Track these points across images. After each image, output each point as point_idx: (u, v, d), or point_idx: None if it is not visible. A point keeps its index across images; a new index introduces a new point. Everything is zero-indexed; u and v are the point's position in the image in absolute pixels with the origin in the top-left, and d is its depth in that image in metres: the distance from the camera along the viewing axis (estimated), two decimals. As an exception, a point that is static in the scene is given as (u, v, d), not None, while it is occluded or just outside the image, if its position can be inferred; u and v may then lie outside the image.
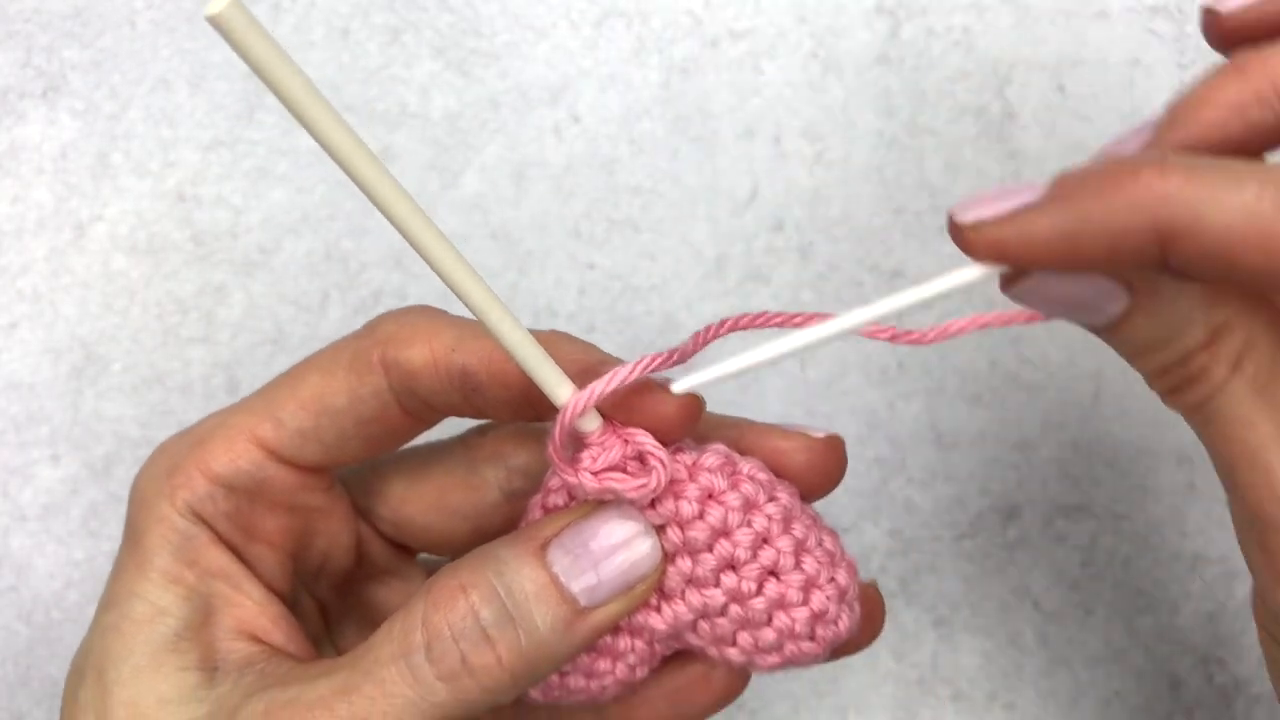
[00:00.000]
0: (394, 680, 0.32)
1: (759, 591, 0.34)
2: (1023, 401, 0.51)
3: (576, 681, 0.37)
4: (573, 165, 0.53)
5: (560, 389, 0.32)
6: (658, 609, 0.35)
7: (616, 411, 0.33)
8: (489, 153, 0.53)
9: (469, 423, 0.40)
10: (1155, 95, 0.53)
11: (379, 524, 0.40)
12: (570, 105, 0.53)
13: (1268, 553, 0.30)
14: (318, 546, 0.39)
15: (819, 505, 0.37)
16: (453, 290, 0.29)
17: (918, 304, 0.30)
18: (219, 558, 0.36)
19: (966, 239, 0.29)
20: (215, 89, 0.54)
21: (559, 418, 0.32)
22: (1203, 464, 0.50)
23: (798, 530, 0.35)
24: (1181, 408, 0.31)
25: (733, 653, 0.36)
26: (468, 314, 0.32)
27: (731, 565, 0.34)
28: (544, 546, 0.33)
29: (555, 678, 0.37)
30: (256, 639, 0.36)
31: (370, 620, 0.42)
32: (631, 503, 0.34)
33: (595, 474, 0.33)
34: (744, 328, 0.34)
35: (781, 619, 0.35)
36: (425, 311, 0.36)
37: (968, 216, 0.28)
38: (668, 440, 0.34)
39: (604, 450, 0.33)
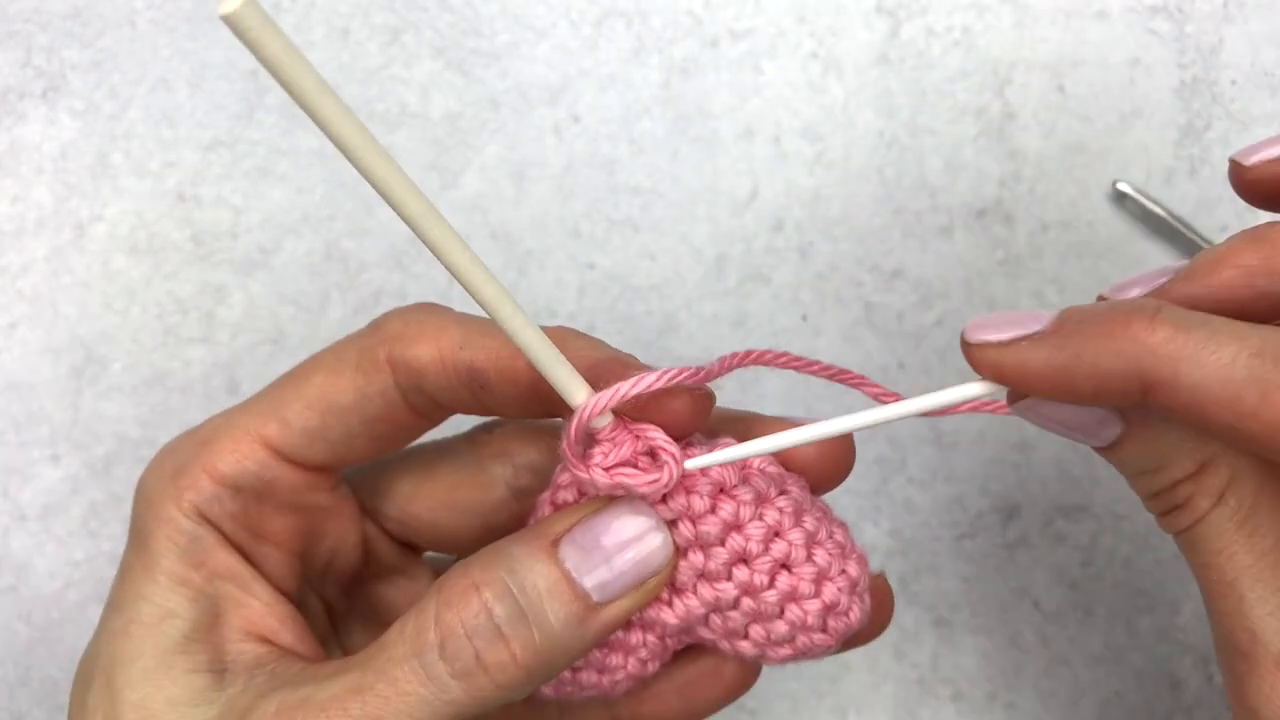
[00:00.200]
0: (407, 679, 0.32)
1: (771, 584, 0.35)
2: (1023, 401, 0.51)
3: (588, 676, 0.37)
4: (573, 165, 0.53)
5: (574, 387, 0.32)
6: (670, 603, 0.35)
7: (627, 407, 0.33)
8: (489, 153, 0.53)
9: (474, 420, 0.40)
10: (1155, 95, 0.53)
11: (386, 523, 0.40)
12: (570, 105, 0.53)
13: (1235, 677, 0.32)
14: (324, 546, 0.39)
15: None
16: (466, 288, 0.29)
17: (931, 411, 0.33)
18: (226, 559, 0.36)
19: (972, 357, 0.31)
20: (215, 89, 0.54)
21: (575, 416, 0.32)
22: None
23: (809, 523, 0.35)
24: (1171, 531, 0.33)
25: (745, 646, 0.36)
26: (471, 309, 0.32)
27: (743, 559, 0.34)
28: (555, 543, 0.33)
29: (567, 673, 0.37)
30: (265, 640, 0.36)
31: (377, 619, 0.42)
32: (643, 498, 0.34)
33: (607, 470, 0.33)
34: (766, 364, 0.35)
35: (793, 611, 0.35)
36: (431, 309, 0.36)
37: (975, 337, 0.31)
38: (678, 435, 0.34)
39: (615, 446, 0.33)
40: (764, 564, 0.34)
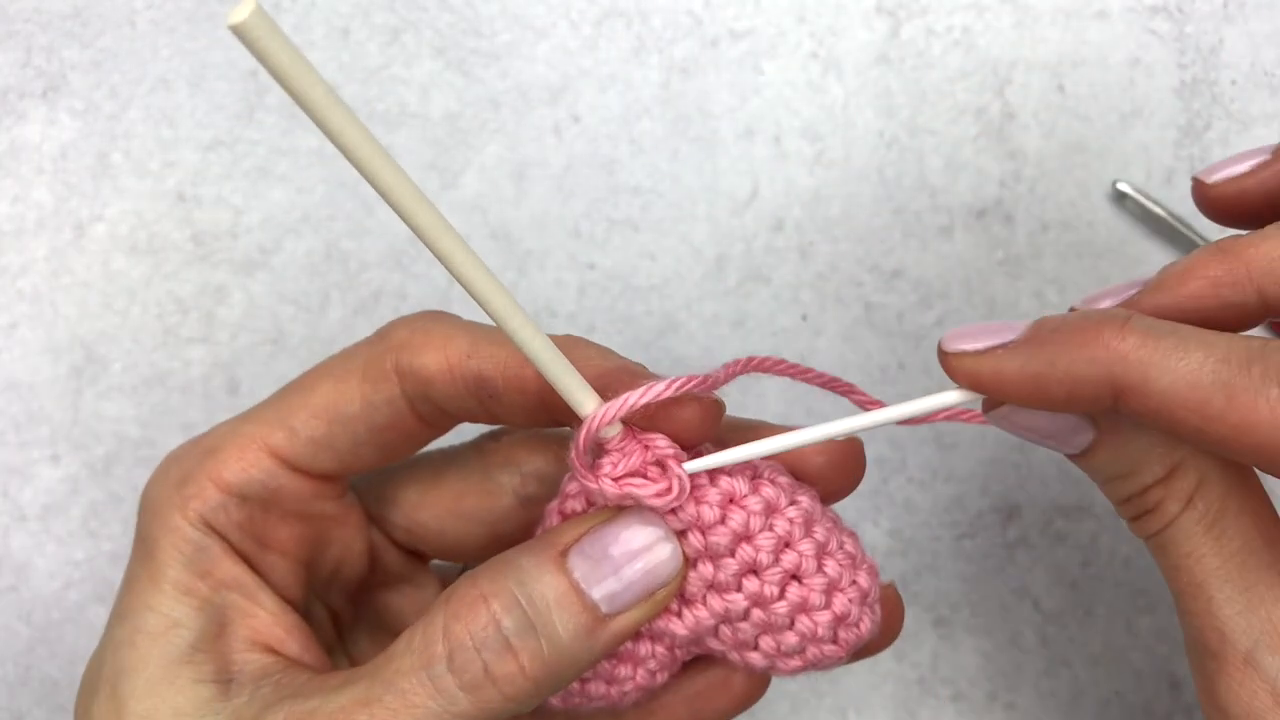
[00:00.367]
0: (415, 691, 0.32)
1: (781, 595, 0.34)
2: (1023, 401, 0.51)
3: (597, 688, 0.37)
4: (573, 165, 0.53)
5: (582, 397, 0.32)
6: (679, 614, 0.35)
7: (636, 416, 0.33)
8: (489, 153, 0.53)
9: (480, 428, 0.40)
10: (1155, 95, 0.53)
11: (392, 531, 0.40)
12: (570, 105, 0.53)
13: (1205, 677, 0.33)
14: (331, 554, 0.39)
15: (820, 505, 0.37)
16: (475, 298, 0.29)
17: (908, 419, 0.34)
18: (232, 568, 0.36)
19: (949, 365, 0.32)
20: (215, 89, 0.54)
21: (585, 426, 0.32)
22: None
23: (819, 533, 0.35)
24: (1142, 535, 0.34)
25: (754, 657, 0.36)
26: (473, 312, 0.32)
27: (753, 569, 0.34)
28: (564, 553, 0.33)
29: (576, 684, 0.37)
30: (271, 650, 0.35)
31: (383, 627, 0.41)
32: (652, 508, 0.33)
33: (616, 480, 0.33)
34: (766, 370, 0.36)
35: (804, 622, 0.35)
36: (438, 317, 0.36)
37: (952, 346, 0.32)
38: (688, 444, 0.34)
39: (624, 456, 0.33)
40: (774, 575, 0.34)
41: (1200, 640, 0.33)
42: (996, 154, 0.53)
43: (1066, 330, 0.30)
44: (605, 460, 0.33)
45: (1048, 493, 0.51)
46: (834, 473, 0.36)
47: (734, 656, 0.36)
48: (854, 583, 0.35)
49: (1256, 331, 0.34)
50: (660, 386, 0.32)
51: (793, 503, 0.35)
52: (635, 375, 0.33)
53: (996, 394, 0.32)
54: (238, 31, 0.23)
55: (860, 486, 0.51)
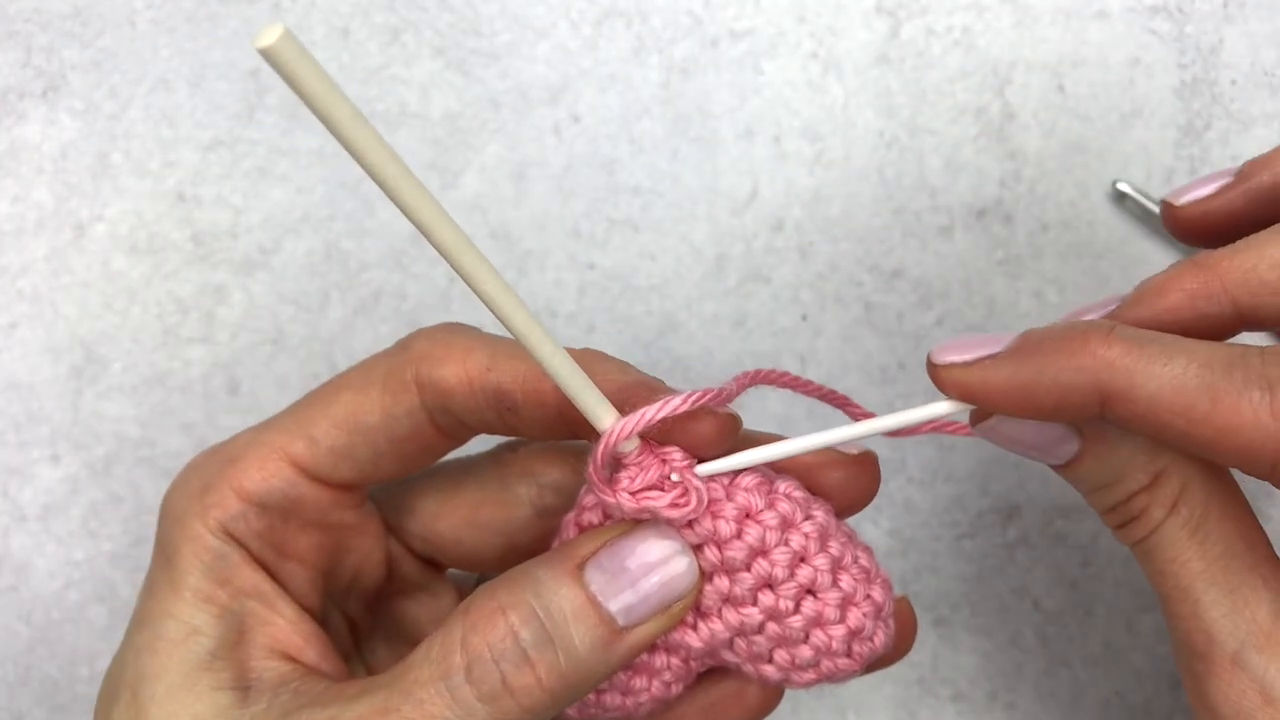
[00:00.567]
0: (433, 701, 0.32)
1: (796, 610, 0.35)
2: (1023, 401, 0.51)
3: (613, 699, 0.37)
4: (573, 165, 0.53)
5: (601, 412, 0.32)
6: (694, 627, 0.35)
7: (653, 430, 0.33)
8: (489, 153, 0.53)
9: (498, 438, 0.40)
10: (1155, 95, 0.53)
11: (410, 540, 0.40)
12: (570, 105, 0.53)
13: (1194, 678, 0.33)
14: (349, 563, 0.39)
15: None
16: (497, 315, 0.30)
17: (896, 431, 0.34)
18: (252, 576, 0.36)
19: (938, 377, 0.33)
20: (215, 89, 0.54)
21: (602, 441, 0.32)
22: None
23: (834, 548, 0.35)
24: (1127, 542, 0.34)
25: (769, 670, 0.36)
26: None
27: (769, 584, 0.34)
28: (581, 566, 0.33)
29: (591, 695, 0.37)
30: (290, 658, 0.36)
31: (400, 635, 0.42)
32: (669, 522, 0.34)
33: (633, 494, 0.33)
34: (771, 383, 0.37)
35: (819, 636, 0.35)
36: (458, 329, 0.37)
37: (941, 359, 0.33)
38: (705, 457, 0.34)
39: (642, 470, 0.33)
40: (789, 589, 0.34)
41: (1188, 643, 0.33)
42: (996, 154, 0.53)
43: (1053, 340, 0.31)
44: (623, 474, 0.33)
45: (1048, 493, 0.51)
46: (849, 487, 0.36)
47: (748, 669, 0.36)
48: (868, 597, 0.35)
49: (1259, 340, 0.35)
50: (677, 401, 0.32)
51: (808, 517, 0.35)
52: (653, 390, 0.34)
53: (986, 404, 0.32)
54: (266, 55, 0.23)
55: (860, 486, 0.51)
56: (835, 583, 0.35)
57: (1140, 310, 0.33)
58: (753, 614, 0.34)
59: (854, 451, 0.37)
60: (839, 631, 0.35)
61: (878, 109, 0.53)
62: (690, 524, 0.34)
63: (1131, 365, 0.30)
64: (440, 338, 0.36)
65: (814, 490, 0.36)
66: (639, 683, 0.36)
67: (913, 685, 0.50)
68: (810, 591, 0.35)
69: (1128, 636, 0.50)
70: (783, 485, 0.35)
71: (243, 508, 0.36)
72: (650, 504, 0.33)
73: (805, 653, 0.35)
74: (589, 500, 0.35)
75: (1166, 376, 0.30)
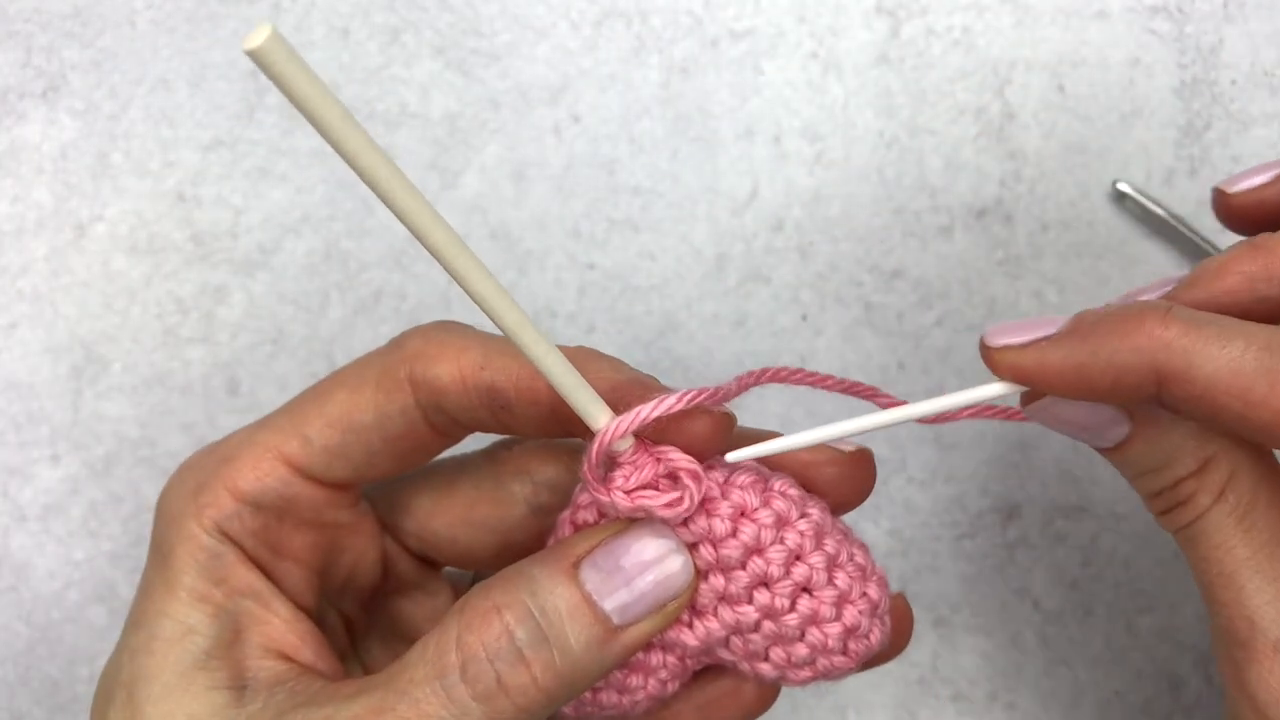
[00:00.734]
0: (429, 700, 0.32)
1: (792, 608, 0.35)
2: (1023, 401, 0.51)
3: (608, 697, 0.37)
4: (573, 165, 0.53)
5: (595, 411, 0.32)
6: (690, 625, 0.35)
7: (648, 429, 0.33)
8: (489, 153, 0.53)
9: (492, 436, 0.40)
10: (1155, 95, 0.53)
11: (405, 538, 0.40)
12: (570, 105, 0.53)
13: (1234, 665, 0.33)
14: (344, 562, 0.39)
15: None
16: (489, 316, 0.30)
17: (950, 409, 0.34)
18: (247, 576, 0.36)
19: (992, 360, 0.33)
20: (215, 89, 0.54)
21: (597, 440, 0.32)
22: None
23: (829, 546, 0.35)
24: (1171, 528, 0.35)
25: (765, 668, 0.36)
26: (482, 321, 0.32)
27: (764, 582, 0.34)
28: (576, 565, 0.33)
29: (587, 694, 0.37)
30: (285, 657, 0.36)
31: (396, 634, 0.42)
32: (664, 521, 0.34)
33: (628, 493, 0.33)
34: (781, 381, 0.36)
35: (814, 634, 0.35)
36: (452, 327, 0.37)
37: (996, 341, 0.33)
38: (700, 456, 0.34)
39: (636, 469, 0.33)
40: (785, 587, 0.34)
41: (1230, 629, 0.33)
42: (996, 154, 0.53)
43: (1110, 321, 0.31)
44: (618, 473, 0.33)
45: (1048, 493, 0.51)
46: (845, 484, 0.36)
47: (744, 666, 0.36)
48: (864, 594, 0.35)
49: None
50: (671, 400, 0.32)
51: (803, 515, 0.35)
52: (647, 388, 0.34)
53: (1041, 385, 0.32)
54: (254, 56, 0.23)
55: (860, 486, 0.51)
56: (831, 580, 0.35)
57: (1197, 292, 0.33)
58: (748, 612, 0.34)
59: (849, 449, 0.36)
60: (835, 629, 0.35)
61: (878, 109, 0.53)
62: (685, 522, 0.34)
63: (1189, 346, 0.30)
64: (434, 336, 0.36)
65: (809, 487, 0.36)
66: (635, 681, 0.36)
67: (913, 685, 0.50)
68: (806, 589, 0.35)
69: (1128, 636, 0.50)
70: (778, 483, 0.35)
71: (237, 507, 0.36)
72: (645, 503, 0.33)
73: (801, 650, 0.35)
74: (584, 498, 0.35)
75: (1224, 359, 0.30)
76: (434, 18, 0.54)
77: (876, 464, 0.51)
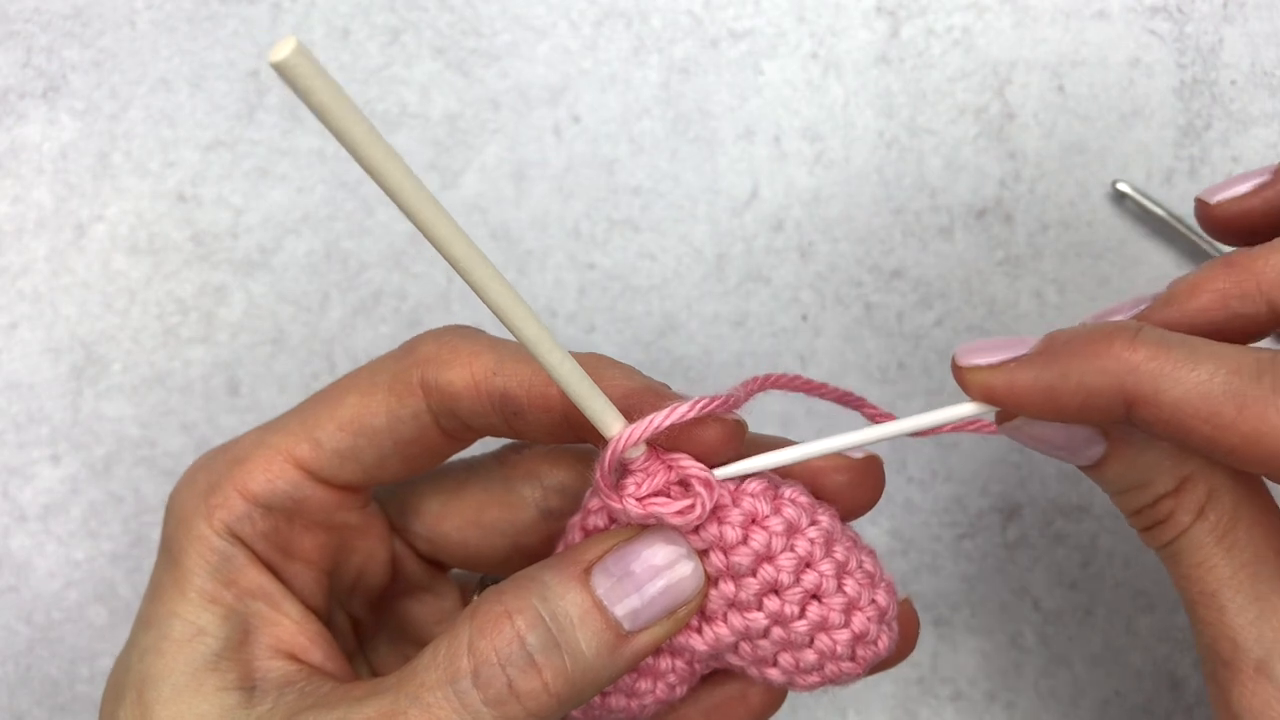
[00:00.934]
0: (440, 705, 0.32)
1: (801, 614, 0.35)
2: (1023, 401, 0.51)
3: (618, 701, 0.37)
4: (573, 165, 0.53)
5: (608, 418, 0.32)
6: (699, 631, 0.35)
7: (660, 436, 0.33)
8: (489, 153, 0.53)
9: (503, 440, 0.40)
10: (1155, 95, 0.53)
11: (414, 541, 0.40)
12: (570, 105, 0.53)
13: (1218, 685, 0.33)
14: (353, 564, 0.39)
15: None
16: (507, 325, 0.30)
17: (922, 431, 0.34)
18: (257, 577, 0.36)
19: (963, 379, 0.33)
20: (215, 89, 0.54)
21: (610, 447, 0.32)
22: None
23: (839, 553, 0.35)
24: (1154, 545, 0.34)
25: (773, 673, 0.36)
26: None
27: (774, 589, 0.35)
28: (587, 571, 0.33)
29: (597, 698, 0.37)
30: (295, 658, 0.36)
31: (404, 636, 0.42)
32: (675, 528, 0.34)
33: (640, 500, 0.33)
34: (782, 388, 0.37)
35: (823, 641, 0.35)
36: (464, 332, 0.37)
37: (966, 360, 0.33)
38: (711, 463, 0.34)
39: (648, 476, 0.33)
40: (795, 594, 0.34)
41: (1213, 649, 0.33)
42: (996, 154, 0.53)
43: (1078, 343, 0.31)
44: (629, 480, 0.33)
45: (1048, 493, 0.51)
46: (854, 491, 0.36)
47: (753, 672, 0.36)
48: (873, 601, 0.35)
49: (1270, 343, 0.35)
50: (684, 408, 0.32)
51: (813, 523, 0.35)
52: (660, 395, 0.34)
53: (1010, 406, 0.32)
54: (280, 69, 0.23)
55: (860, 486, 0.51)
56: (840, 588, 0.35)
57: (1171, 310, 0.33)
58: (758, 619, 0.35)
59: (859, 455, 0.36)
60: (843, 636, 0.35)
61: (878, 109, 0.53)
62: (696, 529, 0.34)
63: (1157, 369, 0.30)
64: (447, 341, 0.36)
65: (819, 495, 0.36)
66: (644, 685, 0.37)
67: (912, 685, 0.50)
68: (815, 596, 0.35)
69: (1128, 636, 0.50)
70: (788, 490, 0.35)
71: (248, 509, 0.36)
72: (657, 510, 0.33)
73: (810, 657, 0.35)
74: (594, 503, 0.35)
75: (1192, 381, 0.30)
76: (434, 18, 0.54)
77: (876, 464, 0.51)
